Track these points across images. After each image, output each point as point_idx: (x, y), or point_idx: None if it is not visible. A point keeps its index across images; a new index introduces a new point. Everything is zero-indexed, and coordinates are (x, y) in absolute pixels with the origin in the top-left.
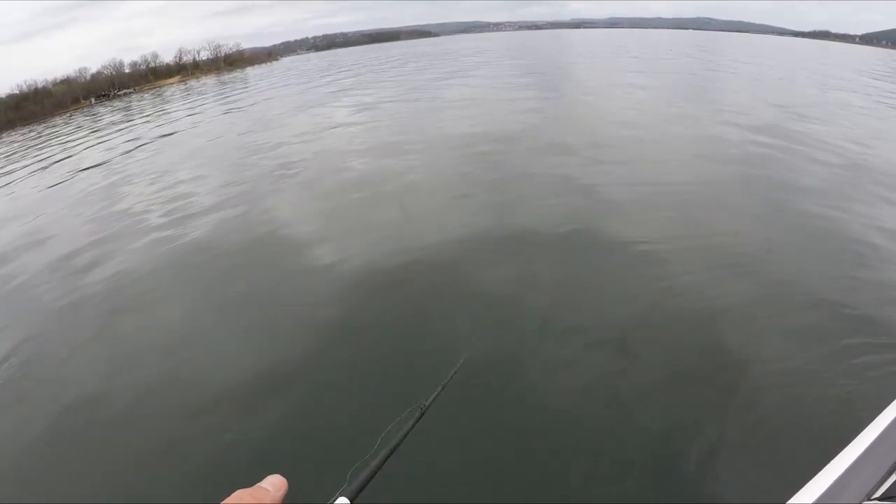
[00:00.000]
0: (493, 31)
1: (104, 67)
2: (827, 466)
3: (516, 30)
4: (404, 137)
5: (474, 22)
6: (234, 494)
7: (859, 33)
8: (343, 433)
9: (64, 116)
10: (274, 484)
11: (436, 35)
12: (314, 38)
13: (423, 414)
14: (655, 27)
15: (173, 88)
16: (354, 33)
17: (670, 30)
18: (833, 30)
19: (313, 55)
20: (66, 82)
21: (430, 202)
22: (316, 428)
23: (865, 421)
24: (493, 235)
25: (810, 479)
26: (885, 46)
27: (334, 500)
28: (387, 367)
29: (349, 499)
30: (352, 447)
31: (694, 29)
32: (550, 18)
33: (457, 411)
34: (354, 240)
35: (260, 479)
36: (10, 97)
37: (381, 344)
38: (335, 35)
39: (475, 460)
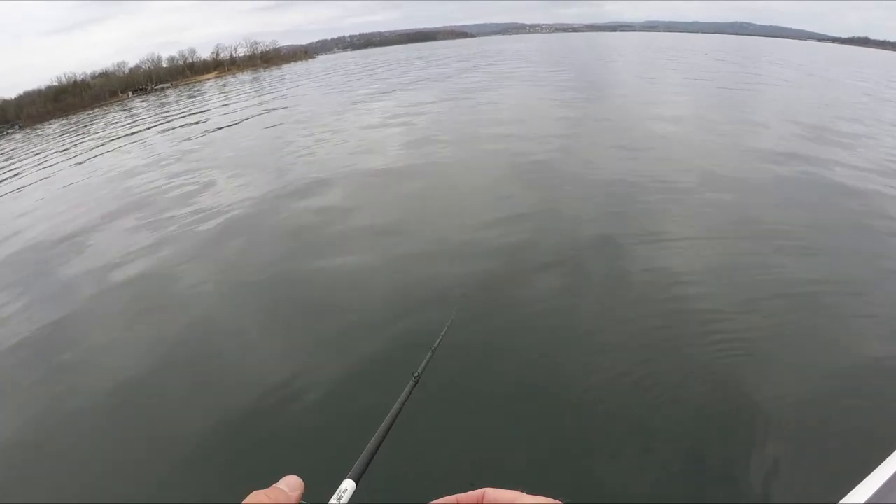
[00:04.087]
0: (529, 32)
1: (142, 62)
2: (879, 466)
3: (552, 32)
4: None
5: (511, 23)
6: (250, 495)
7: (893, 40)
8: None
9: (104, 108)
10: (290, 484)
11: (472, 36)
12: (351, 36)
13: (416, 383)
14: (692, 31)
15: (210, 83)
16: (391, 32)
17: (707, 34)
18: (872, 36)
19: (350, 53)
20: (105, 75)
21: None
22: (332, 421)
23: None
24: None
25: (862, 479)
26: None
27: (341, 485)
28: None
29: (354, 480)
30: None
31: (731, 34)
32: (587, 21)
33: (445, 378)
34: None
35: (276, 479)
36: (50, 89)
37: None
38: (372, 34)
39: (467, 426)
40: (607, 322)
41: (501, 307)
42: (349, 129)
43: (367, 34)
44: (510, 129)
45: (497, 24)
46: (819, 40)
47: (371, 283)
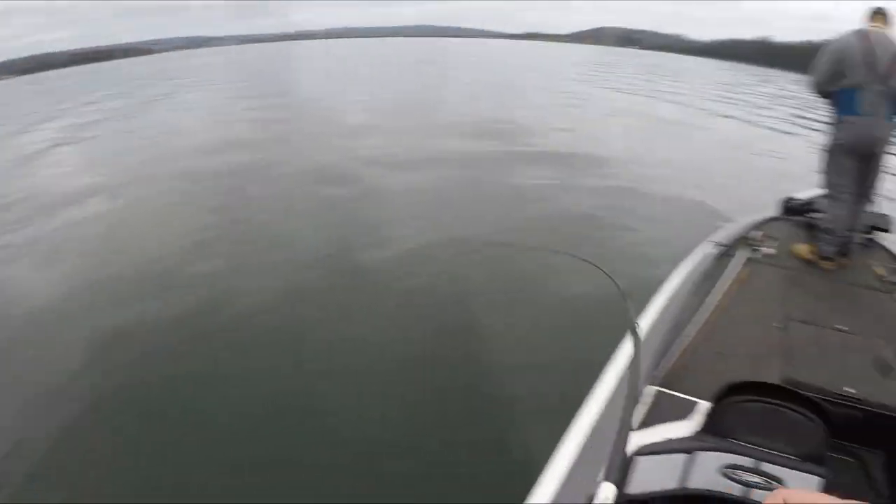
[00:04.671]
0: (216, 45)
1: None
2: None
3: (239, 44)
4: None
5: (197, 37)
6: None
7: (565, 33)
8: None
9: None
10: None
11: (157, 52)
12: (15, 60)
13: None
14: (378, 36)
15: None
16: (63, 53)
17: (391, 38)
18: (542, 31)
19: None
20: None
21: None
22: None
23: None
24: None
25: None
26: (589, 43)
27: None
28: None
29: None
30: None
31: (415, 36)
32: (276, 30)
33: None
34: None
35: None
36: None
37: None
38: (43, 56)
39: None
40: None
41: None
42: None
43: (37, 56)
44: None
45: (182, 39)
46: (495, 38)
47: None
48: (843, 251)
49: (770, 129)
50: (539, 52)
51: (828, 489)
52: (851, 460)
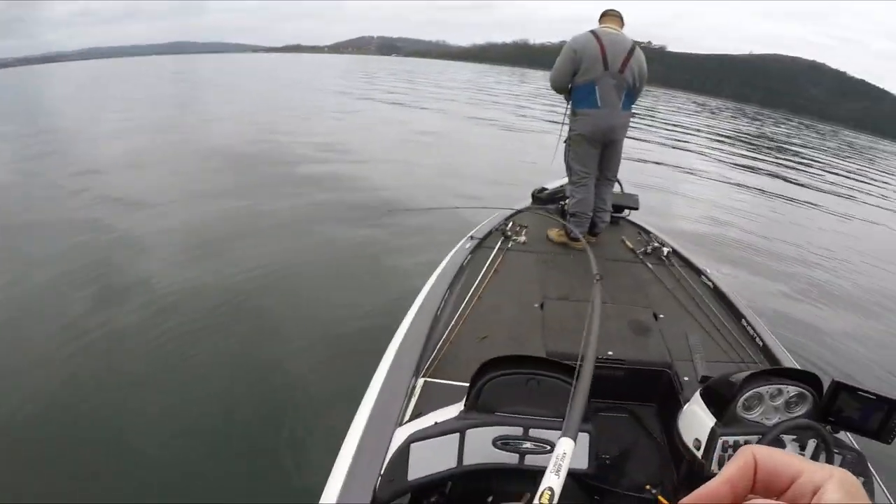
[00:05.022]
0: None
1: None
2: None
3: None
4: None
5: None
6: None
7: (327, 44)
8: None
9: None
10: None
11: None
12: None
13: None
14: (133, 55)
15: None
16: None
17: (149, 56)
18: (304, 43)
19: None
20: None
21: None
22: None
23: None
24: None
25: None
26: (350, 52)
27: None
28: None
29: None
30: None
31: (173, 54)
32: (20, 54)
33: None
34: None
35: None
36: None
37: None
38: None
39: None
40: None
41: None
42: None
43: None
44: None
45: None
46: (255, 51)
47: None
48: (592, 231)
49: (523, 128)
50: (302, 63)
51: (603, 443)
52: (625, 415)
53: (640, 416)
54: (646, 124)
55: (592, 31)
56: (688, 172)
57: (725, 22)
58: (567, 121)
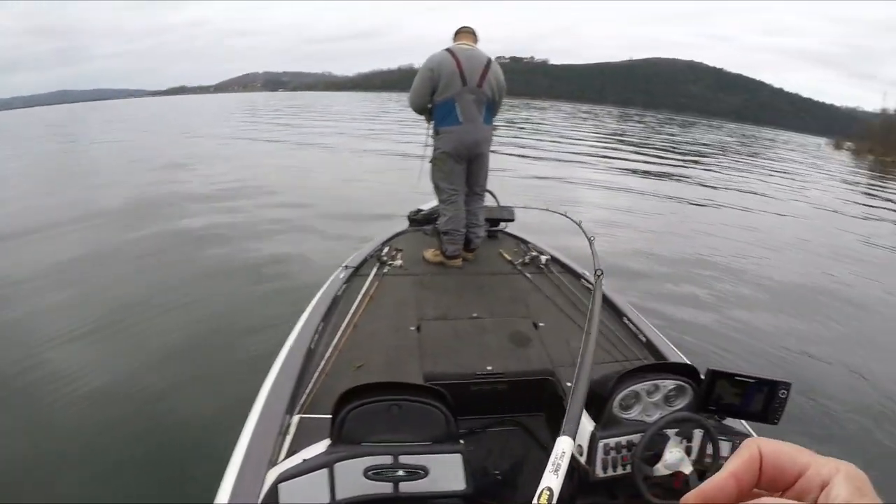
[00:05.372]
0: None
1: None
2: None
3: None
4: None
5: None
6: None
7: (212, 84)
8: None
9: None
10: None
11: None
12: None
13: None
14: (14, 108)
15: None
16: None
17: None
18: (189, 84)
19: None
20: None
21: None
22: None
23: None
24: None
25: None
26: (237, 91)
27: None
28: None
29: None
30: None
31: (55, 104)
32: None
33: None
34: None
35: None
36: None
37: None
38: None
39: None
40: None
41: None
42: None
43: None
44: None
45: None
46: (139, 96)
47: None
48: (469, 247)
49: (406, 152)
50: (185, 107)
51: (494, 458)
52: (515, 428)
53: (529, 427)
54: (537, 138)
55: (448, 49)
56: (573, 183)
57: (604, 31)
58: (430, 141)
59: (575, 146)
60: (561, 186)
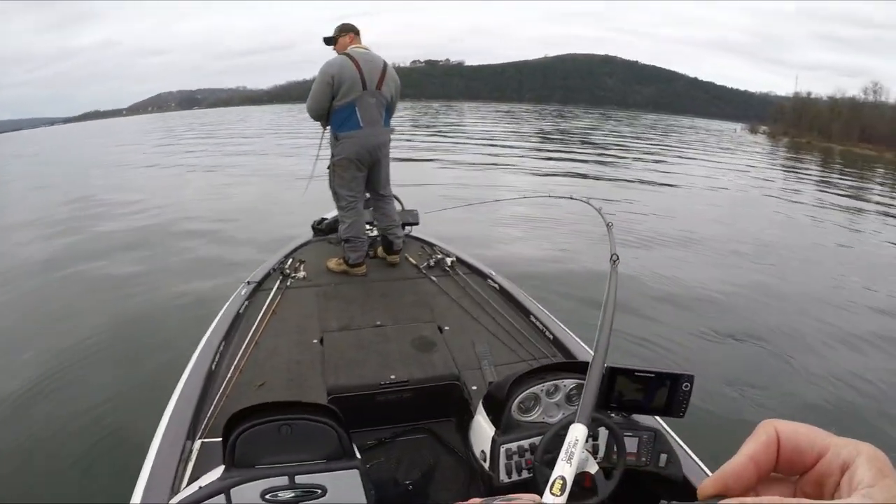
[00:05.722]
0: None
1: None
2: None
3: None
4: None
5: None
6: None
7: (125, 106)
8: None
9: None
10: None
11: None
12: None
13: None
14: None
15: None
16: None
17: None
18: (102, 108)
19: None
20: None
21: None
22: None
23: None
24: None
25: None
26: (151, 111)
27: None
28: None
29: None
30: None
31: None
32: None
33: None
34: None
35: None
36: None
37: None
38: None
39: None
40: None
41: None
42: None
43: None
44: None
45: None
46: (52, 123)
47: None
48: (391, 250)
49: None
50: (100, 129)
51: (404, 468)
52: (424, 435)
53: (439, 434)
54: (453, 142)
55: (346, 54)
56: (492, 187)
57: (519, 31)
58: (327, 147)
59: (494, 146)
60: (478, 185)
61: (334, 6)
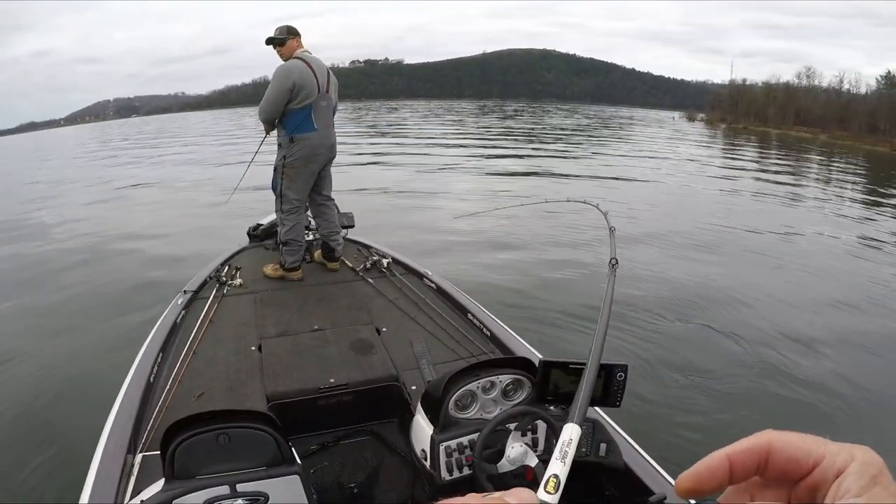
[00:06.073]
0: None
1: None
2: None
3: None
4: None
5: None
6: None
7: (62, 116)
8: None
9: None
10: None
11: None
12: None
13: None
14: None
15: None
16: None
17: None
18: (39, 119)
19: None
20: None
21: None
22: None
23: None
24: None
25: None
26: (89, 121)
27: (563, 433)
28: None
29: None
30: None
31: None
32: None
33: None
34: None
35: None
36: None
37: None
38: None
39: None
40: None
41: None
42: None
43: None
44: None
45: None
46: None
47: None
48: (332, 257)
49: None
50: (39, 143)
51: (348, 471)
52: (368, 437)
53: (383, 435)
54: (395, 143)
55: (299, 58)
56: (435, 196)
57: (456, 29)
58: (281, 148)
59: (434, 146)
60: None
61: (269, 7)
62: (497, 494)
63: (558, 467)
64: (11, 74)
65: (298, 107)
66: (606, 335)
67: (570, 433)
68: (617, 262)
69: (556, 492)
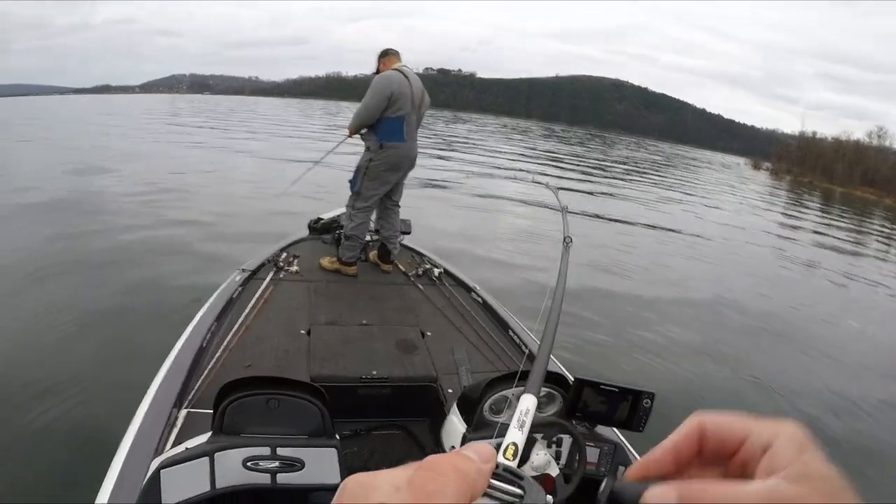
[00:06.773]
0: None
1: None
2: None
3: None
4: None
5: None
6: (427, 459)
7: (138, 84)
8: None
9: None
10: (481, 454)
11: None
12: None
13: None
14: None
15: None
16: None
17: None
18: (114, 83)
19: None
20: None
21: None
22: None
23: None
24: None
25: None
26: (163, 92)
27: (521, 403)
28: None
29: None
30: None
31: None
32: None
33: None
34: None
35: None
36: None
37: None
38: None
39: None
40: None
41: None
42: None
43: None
44: None
45: None
46: (62, 93)
47: None
48: (387, 259)
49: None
50: (114, 106)
51: (376, 461)
52: (399, 432)
53: (413, 432)
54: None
55: (399, 71)
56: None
57: (523, 45)
58: (370, 152)
59: (508, 161)
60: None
61: (349, 6)
62: (459, 448)
63: (516, 435)
64: (94, 38)
65: (393, 116)
66: (560, 312)
67: (528, 403)
68: (571, 240)
69: (515, 458)
